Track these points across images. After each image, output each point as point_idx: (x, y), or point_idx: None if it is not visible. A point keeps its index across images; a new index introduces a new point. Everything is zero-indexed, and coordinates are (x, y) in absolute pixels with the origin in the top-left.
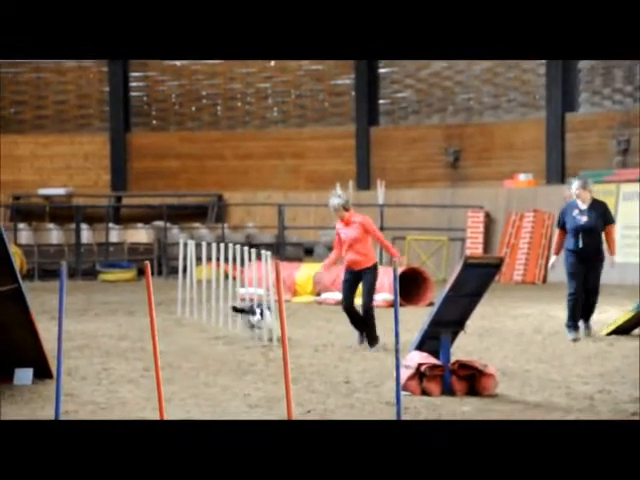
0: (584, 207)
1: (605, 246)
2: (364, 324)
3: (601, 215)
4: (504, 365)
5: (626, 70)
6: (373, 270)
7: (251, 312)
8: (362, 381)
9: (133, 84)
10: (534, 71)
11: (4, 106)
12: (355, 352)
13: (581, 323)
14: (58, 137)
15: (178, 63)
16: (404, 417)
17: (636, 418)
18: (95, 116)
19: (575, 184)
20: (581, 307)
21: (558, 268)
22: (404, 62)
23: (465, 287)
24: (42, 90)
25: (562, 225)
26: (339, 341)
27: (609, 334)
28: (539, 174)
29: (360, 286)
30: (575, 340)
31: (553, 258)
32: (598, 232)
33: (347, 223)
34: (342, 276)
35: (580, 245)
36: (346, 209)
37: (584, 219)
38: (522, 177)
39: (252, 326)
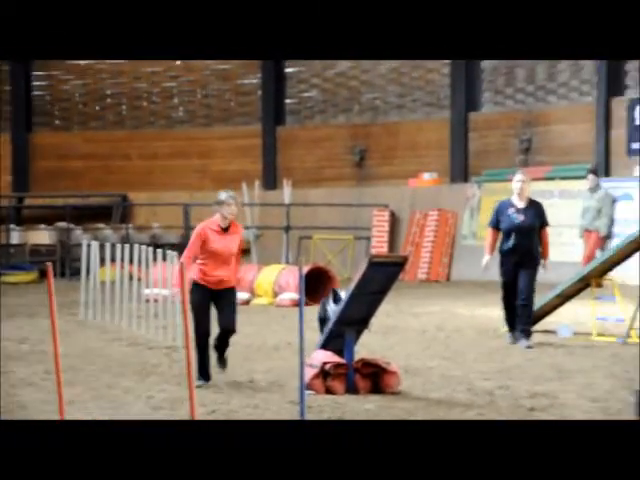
0: (521, 206)
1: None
2: (215, 350)
3: (538, 215)
4: (407, 362)
5: (528, 70)
6: (234, 289)
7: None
8: (266, 380)
9: (35, 83)
10: (438, 71)
11: None
12: (259, 351)
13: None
14: None
15: (82, 62)
16: (308, 416)
17: (534, 413)
18: None
19: (518, 176)
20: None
21: (491, 268)
22: (310, 61)
23: (370, 285)
24: None
25: (495, 224)
26: (244, 340)
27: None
28: (443, 173)
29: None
30: (514, 343)
31: (486, 258)
32: (534, 233)
33: (228, 229)
34: (196, 293)
35: (516, 245)
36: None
37: (521, 218)
38: (426, 176)
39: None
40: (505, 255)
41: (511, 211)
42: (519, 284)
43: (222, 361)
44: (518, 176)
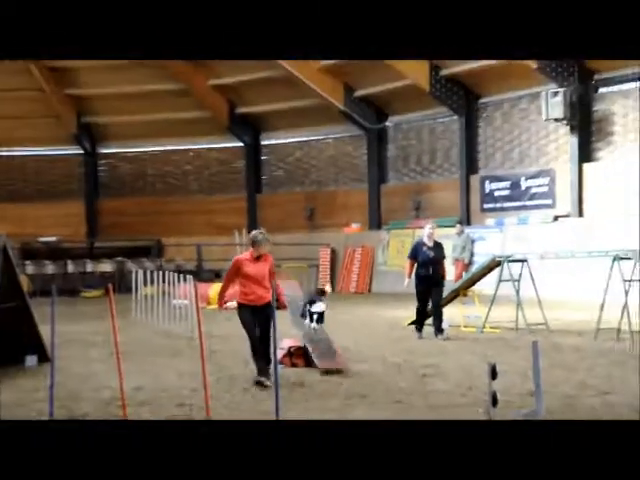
0: (431, 245)
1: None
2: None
3: (441, 252)
4: (347, 344)
5: (417, 156)
6: (270, 305)
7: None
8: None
9: (101, 162)
10: (360, 157)
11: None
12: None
13: (434, 331)
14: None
15: (134, 152)
16: (281, 382)
17: (425, 378)
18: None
19: (429, 226)
20: (425, 317)
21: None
22: (278, 149)
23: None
24: None
25: (414, 257)
26: (239, 333)
27: (410, 324)
28: (364, 224)
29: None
30: (420, 338)
31: (406, 281)
32: (441, 263)
33: (260, 258)
34: (242, 313)
35: (429, 272)
36: (268, 242)
37: (432, 254)
38: (354, 225)
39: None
40: (421, 279)
41: (424, 248)
42: (433, 298)
43: (266, 372)
44: (429, 225)
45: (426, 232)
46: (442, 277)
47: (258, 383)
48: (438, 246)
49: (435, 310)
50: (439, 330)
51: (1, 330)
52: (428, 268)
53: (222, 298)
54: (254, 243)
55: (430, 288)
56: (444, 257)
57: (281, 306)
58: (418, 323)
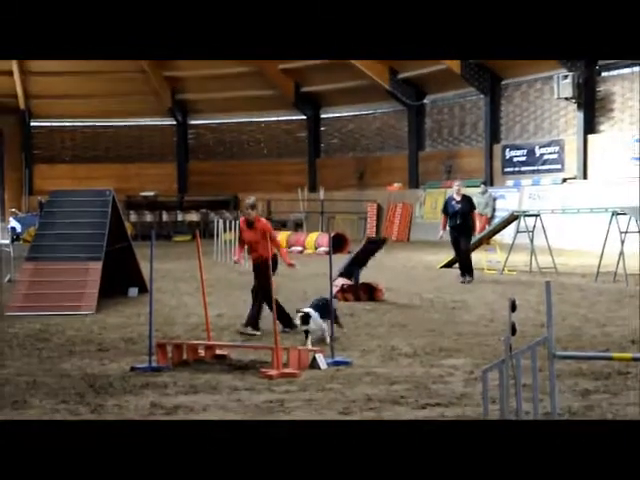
0: (458, 199)
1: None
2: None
3: (468, 204)
4: (387, 284)
5: (449, 127)
6: (266, 262)
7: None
8: (313, 290)
9: (189, 133)
10: (402, 129)
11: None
12: (308, 277)
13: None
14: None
15: (215, 123)
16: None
17: (454, 310)
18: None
19: (457, 183)
20: (462, 263)
21: (444, 237)
22: (334, 121)
23: (366, 251)
24: None
25: (445, 211)
26: (302, 269)
27: (441, 267)
28: (405, 183)
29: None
30: (463, 282)
31: (441, 232)
32: (467, 215)
33: (253, 224)
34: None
35: (457, 223)
36: (253, 208)
37: (459, 207)
38: (396, 184)
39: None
40: (452, 228)
41: (453, 202)
42: (461, 246)
43: (285, 323)
44: (457, 183)
45: (454, 189)
46: (468, 227)
47: (241, 333)
48: (465, 199)
49: (464, 256)
50: (468, 275)
51: (110, 267)
52: (456, 219)
53: (238, 251)
54: (244, 209)
55: (460, 236)
56: (472, 209)
57: (286, 262)
58: (460, 269)
